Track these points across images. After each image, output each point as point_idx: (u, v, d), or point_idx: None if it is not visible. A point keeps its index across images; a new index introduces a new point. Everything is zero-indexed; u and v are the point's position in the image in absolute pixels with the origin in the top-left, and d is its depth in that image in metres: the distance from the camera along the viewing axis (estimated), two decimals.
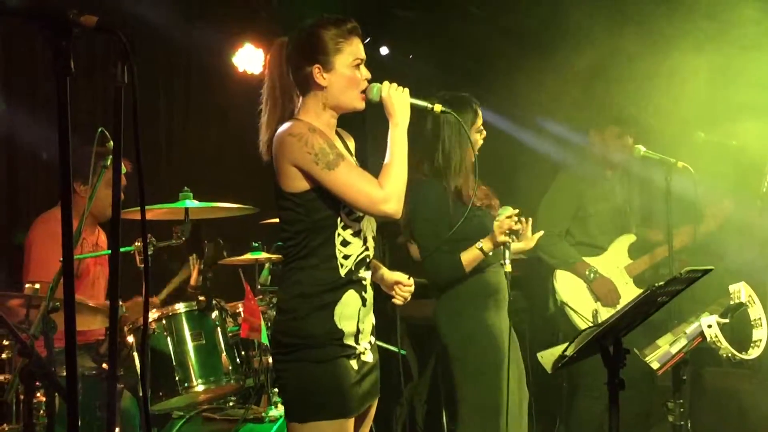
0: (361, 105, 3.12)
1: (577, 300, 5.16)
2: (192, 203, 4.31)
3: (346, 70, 3.05)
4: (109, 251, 4.57)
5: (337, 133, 3.20)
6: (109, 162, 3.77)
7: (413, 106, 3.13)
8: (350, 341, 3.04)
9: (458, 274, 4.03)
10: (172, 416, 4.56)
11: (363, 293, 3.08)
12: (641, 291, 3.02)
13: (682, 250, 5.14)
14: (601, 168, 5.38)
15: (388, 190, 2.97)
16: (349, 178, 2.95)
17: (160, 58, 6.31)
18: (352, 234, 3.04)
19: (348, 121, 3.26)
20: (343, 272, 3.02)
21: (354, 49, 3.07)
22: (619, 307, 5.02)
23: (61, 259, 2.11)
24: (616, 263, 5.28)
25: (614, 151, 5.29)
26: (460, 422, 4.13)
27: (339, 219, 3.01)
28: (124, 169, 3.63)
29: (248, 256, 4.92)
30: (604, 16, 5.89)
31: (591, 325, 4.88)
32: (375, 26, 6.94)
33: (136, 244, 3.99)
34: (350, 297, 3.04)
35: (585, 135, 5.48)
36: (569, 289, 5.20)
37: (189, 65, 6.61)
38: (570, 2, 6.04)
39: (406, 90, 3.13)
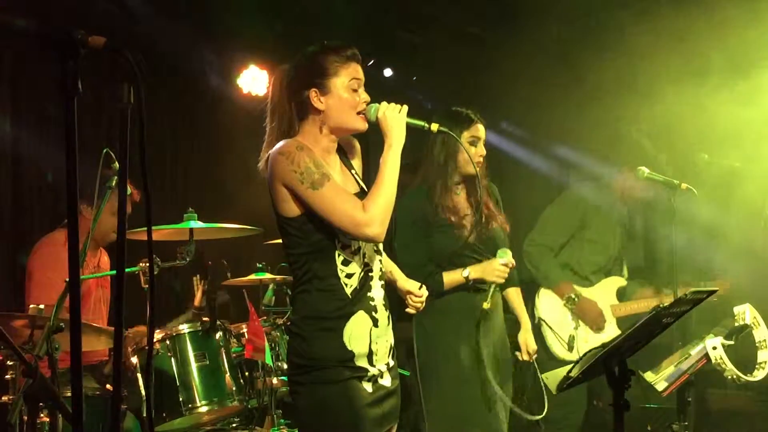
0: (362, 126, 3.11)
1: (556, 321, 5.08)
2: (196, 224, 4.31)
3: (343, 92, 3.06)
4: (114, 272, 4.57)
5: (340, 149, 3.21)
6: (114, 183, 3.78)
7: (410, 125, 3.12)
8: (362, 362, 3.02)
9: (435, 291, 3.97)
10: None
11: (373, 313, 3.06)
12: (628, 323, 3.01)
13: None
14: (614, 201, 5.32)
15: (371, 214, 2.94)
16: (332, 199, 2.93)
17: (165, 79, 6.33)
18: (351, 252, 3.03)
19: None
20: (348, 291, 3.02)
21: (351, 71, 3.08)
22: (603, 337, 4.97)
23: (67, 279, 2.11)
24: (602, 299, 5.19)
25: (637, 193, 5.23)
26: None
27: (336, 239, 3.01)
28: (129, 190, 3.64)
29: (252, 276, 4.92)
30: (606, 38, 5.92)
31: (566, 349, 4.92)
32: (379, 49, 6.98)
33: (141, 264, 3.98)
34: (359, 318, 3.03)
35: (608, 165, 5.38)
36: (550, 309, 5.12)
37: (194, 86, 6.64)
38: (571, 25, 6.07)
39: (405, 108, 3.12)
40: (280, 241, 5.01)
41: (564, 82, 6.34)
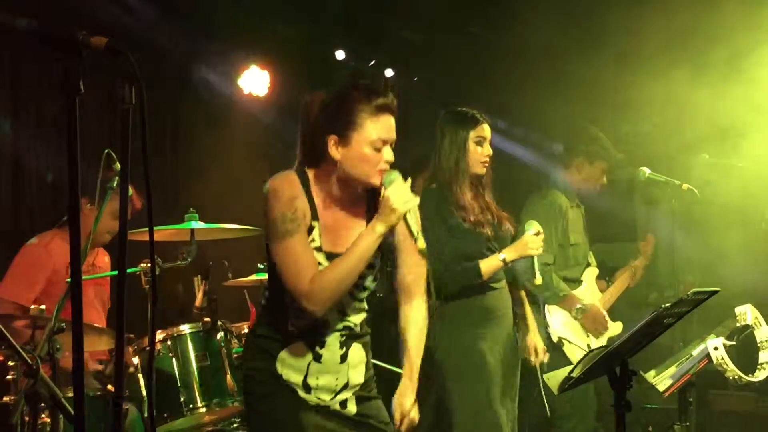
0: (375, 182, 2.89)
1: (573, 335, 4.95)
2: (198, 224, 4.31)
3: (364, 149, 2.85)
4: (115, 272, 4.58)
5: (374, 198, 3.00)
6: (115, 184, 3.78)
7: (405, 219, 2.89)
8: (296, 389, 2.97)
9: (475, 281, 4.03)
10: None
11: (317, 348, 2.98)
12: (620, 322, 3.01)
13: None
14: (574, 194, 5.17)
15: (314, 289, 2.81)
16: (285, 258, 2.86)
17: (166, 80, 6.33)
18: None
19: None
20: (290, 328, 2.98)
21: (378, 128, 2.84)
22: (606, 337, 4.94)
23: (68, 279, 2.11)
24: (593, 297, 5.12)
25: (591, 184, 5.11)
26: None
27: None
28: (130, 191, 3.66)
29: (254, 277, 4.91)
30: (607, 38, 5.92)
31: None
32: (380, 49, 6.98)
33: (142, 265, 3.99)
34: (295, 348, 2.97)
35: (570, 157, 5.21)
36: (563, 325, 4.96)
37: (195, 87, 6.64)
38: (572, 24, 6.07)
39: (413, 201, 2.87)
40: None
41: (564, 82, 6.34)
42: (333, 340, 2.99)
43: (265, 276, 4.86)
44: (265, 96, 6.82)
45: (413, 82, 7.36)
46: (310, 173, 2.97)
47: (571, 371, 2.98)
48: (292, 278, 2.85)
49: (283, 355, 2.97)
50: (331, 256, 2.91)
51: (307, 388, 2.98)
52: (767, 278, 5.09)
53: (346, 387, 3.03)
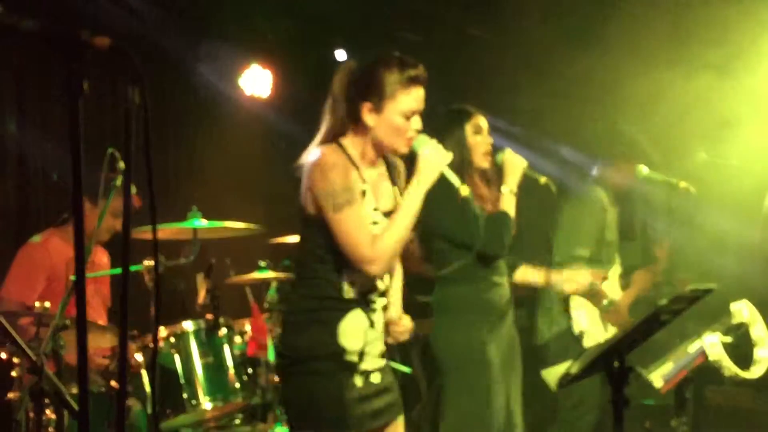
0: (403, 150, 3.10)
1: (594, 328, 4.87)
2: (200, 223, 4.34)
3: (395, 118, 3.03)
4: (118, 270, 4.61)
5: (389, 163, 3.22)
6: (119, 182, 3.81)
7: (441, 175, 3.14)
8: (352, 358, 3.04)
9: (508, 227, 4.06)
10: None
11: (371, 315, 3.09)
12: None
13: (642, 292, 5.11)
14: (612, 194, 5.20)
15: (378, 252, 2.95)
16: (347, 227, 2.95)
17: (168, 80, 6.36)
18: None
19: None
20: (347, 296, 3.04)
21: (409, 100, 3.04)
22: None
23: (73, 277, 2.14)
24: (615, 294, 5.13)
25: (624, 187, 5.03)
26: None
27: None
28: (134, 189, 3.69)
29: (256, 274, 4.95)
30: (604, 38, 5.94)
31: None
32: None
33: (146, 263, 4.02)
34: (355, 315, 3.05)
35: (598, 161, 5.20)
36: (585, 318, 4.88)
37: (197, 86, 6.66)
38: (571, 24, 6.08)
39: (448, 156, 3.12)
40: (282, 239, 5.10)
41: (564, 81, 6.35)
42: (378, 304, 3.12)
43: (267, 274, 4.94)
44: (267, 95, 6.84)
45: None
46: (345, 142, 3.08)
47: (570, 367, 3.00)
48: (355, 246, 2.95)
49: (344, 325, 3.02)
50: (386, 215, 3.08)
51: (362, 355, 3.06)
52: (763, 275, 5.10)
53: (382, 355, 3.16)
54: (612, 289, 5.07)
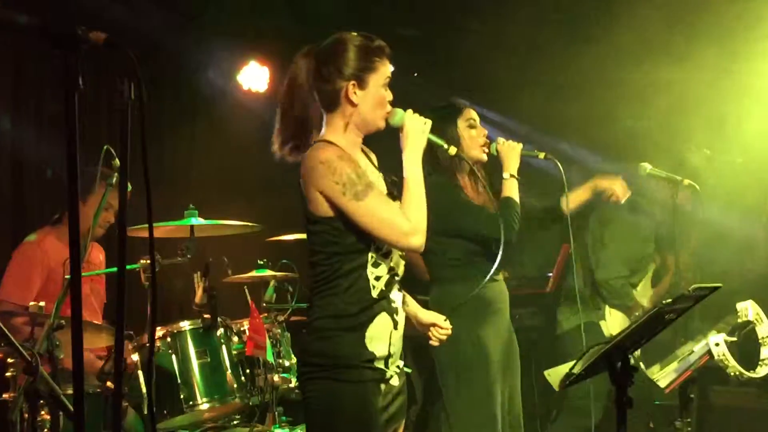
0: (383, 125, 3.08)
1: None
2: (197, 221, 4.31)
3: (378, 90, 3.02)
4: (114, 269, 4.57)
5: (362, 150, 3.16)
6: (114, 181, 3.77)
7: (429, 141, 3.12)
8: (381, 365, 2.99)
9: (516, 214, 4.06)
10: None
11: (394, 315, 3.03)
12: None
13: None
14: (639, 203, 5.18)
15: (414, 223, 2.93)
16: (376, 210, 2.90)
17: (165, 76, 6.33)
18: (382, 255, 3.00)
19: None
20: (375, 294, 2.97)
21: (385, 69, 3.04)
22: None
23: (68, 276, 2.10)
24: (645, 295, 5.16)
25: (661, 192, 5.09)
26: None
27: (372, 242, 2.96)
28: (129, 187, 3.66)
29: (253, 273, 4.91)
30: (606, 33, 5.91)
31: (644, 366, 4.84)
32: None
33: (142, 261, 3.98)
34: (382, 319, 2.99)
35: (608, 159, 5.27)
36: (620, 326, 4.96)
37: (194, 82, 6.63)
38: (571, 18, 6.06)
39: (428, 123, 3.10)
40: (280, 238, 5.06)
41: (564, 78, 6.33)
42: (400, 301, 3.07)
43: (265, 272, 4.90)
44: (265, 92, 6.81)
45: (412, 77, 7.36)
46: (331, 138, 3.02)
47: (572, 367, 2.97)
48: (392, 224, 2.91)
49: (372, 330, 2.96)
50: (392, 197, 3.05)
51: (388, 359, 3.01)
52: None
53: (402, 354, 3.12)
54: (643, 292, 5.11)
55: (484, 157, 4.14)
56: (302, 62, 3.07)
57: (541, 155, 4.16)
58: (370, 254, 2.97)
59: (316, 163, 2.92)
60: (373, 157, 3.24)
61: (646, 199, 5.20)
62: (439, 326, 3.28)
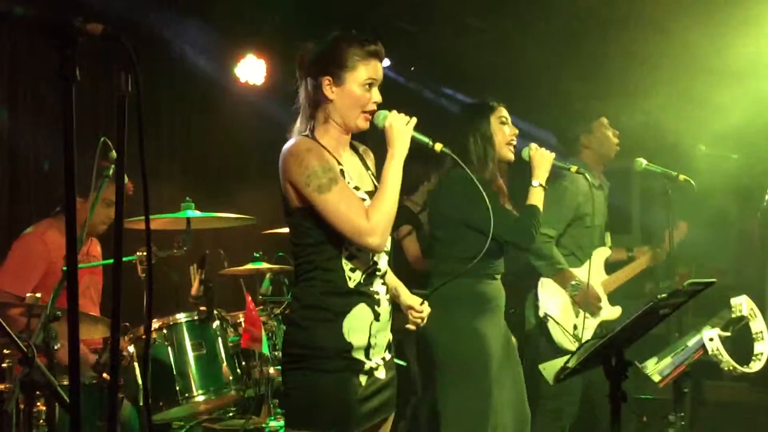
0: (364, 125, 3.09)
1: (561, 313, 4.89)
2: (193, 213, 4.31)
3: (355, 88, 3.04)
4: (110, 261, 4.57)
5: (353, 147, 3.21)
6: (111, 172, 3.77)
7: (414, 140, 3.10)
8: (359, 355, 3.01)
9: (537, 219, 4.09)
10: (172, 426, 4.55)
11: (375, 307, 3.05)
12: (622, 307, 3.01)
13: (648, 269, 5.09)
14: (595, 175, 5.10)
15: (374, 223, 2.92)
16: (337, 205, 2.92)
17: (162, 68, 6.32)
18: (357, 248, 3.01)
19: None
20: (351, 285, 3.00)
21: (370, 69, 3.05)
22: (599, 320, 4.92)
23: (65, 267, 2.11)
24: (594, 277, 5.01)
25: (606, 146, 5.06)
26: (444, 427, 4.12)
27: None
28: (126, 179, 3.65)
29: (249, 266, 4.92)
30: (606, 30, 5.91)
31: (572, 341, 4.84)
32: (378, 40, 6.96)
33: (138, 253, 3.98)
34: (360, 310, 3.01)
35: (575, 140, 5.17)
36: (552, 301, 4.91)
37: (191, 75, 6.62)
38: (569, 15, 6.06)
39: (413, 121, 3.10)
40: (276, 231, 5.07)
41: (564, 74, 6.33)
42: (381, 293, 3.09)
43: (261, 265, 4.91)
44: (262, 85, 6.81)
45: (410, 72, 7.36)
46: (317, 133, 3.08)
47: (567, 361, 2.98)
48: (350, 220, 2.92)
49: (349, 320, 2.99)
50: (369, 194, 3.06)
51: (368, 350, 3.03)
52: (763, 270, 5.08)
53: (389, 347, 3.15)
54: (596, 272, 5.03)
55: (512, 156, 4.18)
56: (300, 56, 3.14)
57: (574, 169, 4.19)
58: (344, 247, 3.00)
59: (287, 155, 2.98)
60: (369, 155, 3.29)
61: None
62: (415, 310, 3.28)
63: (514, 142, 4.20)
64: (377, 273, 3.08)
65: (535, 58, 6.51)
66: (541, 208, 4.08)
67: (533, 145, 4.17)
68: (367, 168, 3.23)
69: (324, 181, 2.91)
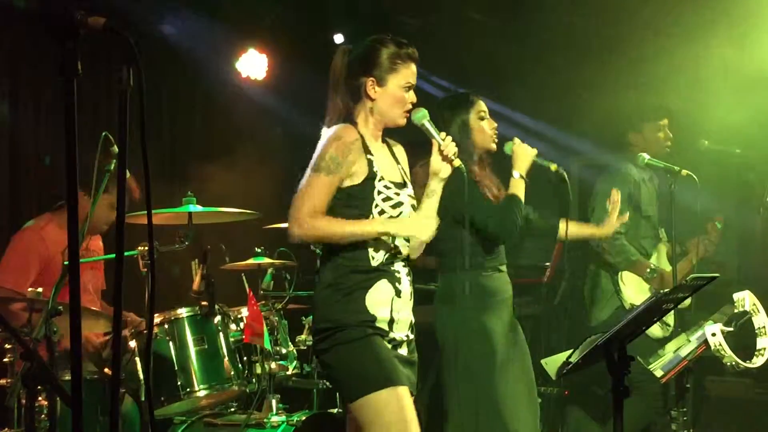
0: (402, 122, 3.36)
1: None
2: (195, 208, 4.30)
3: (396, 90, 3.31)
4: (112, 256, 4.56)
5: (384, 141, 3.43)
6: (112, 167, 3.76)
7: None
8: (383, 325, 3.18)
9: (520, 209, 4.10)
10: (174, 421, 4.54)
11: (396, 284, 3.24)
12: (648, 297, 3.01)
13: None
14: (647, 169, 5.15)
15: (306, 223, 3.14)
16: (308, 187, 3.19)
17: (164, 62, 6.31)
18: None
19: None
20: (374, 264, 3.21)
21: (408, 73, 3.32)
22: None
23: (66, 262, 2.10)
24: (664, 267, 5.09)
25: (654, 149, 5.07)
26: (449, 420, 4.12)
27: (371, 218, 3.21)
28: (128, 174, 3.64)
29: (251, 261, 4.91)
30: (606, 26, 5.91)
31: (661, 328, 4.81)
32: (379, 33, 6.95)
33: (140, 248, 3.97)
34: (382, 285, 3.21)
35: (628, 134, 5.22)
36: (635, 292, 4.97)
37: (193, 70, 6.62)
38: (572, 8, 6.05)
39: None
40: (278, 225, 5.05)
41: (565, 69, 6.32)
42: (405, 274, 3.31)
43: (263, 260, 4.90)
44: (263, 79, 6.80)
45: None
46: (359, 120, 3.34)
47: (570, 356, 2.97)
48: (298, 204, 3.18)
49: (371, 295, 3.19)
50: (396, 185, 3.31)
51: (391, 323, 3.22)
52: (766, 265, 5.08)
53: (411, 328, 3.34)
54: (661, 262, 5.09)
55: (494, 147, 4.23)
56: (338, 59, 3.38)
57: (553, 167, 4.21)
58: None
59: (332, 132, 3.25)
60: (399, 149, 3.52)
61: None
62: (440, 145, 3.36)
63: (492, 133, 4.23)
64: (399, 255, 3.28)
65: (536, 51, 6.50)
66: (522, 199, 4.11)
67: (516, 140, 4.23)
68: (397, 162, 3.45)
69: (322, 164, 3.18)
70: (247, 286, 4.86)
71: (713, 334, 3.47)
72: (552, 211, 4.54)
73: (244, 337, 4.35)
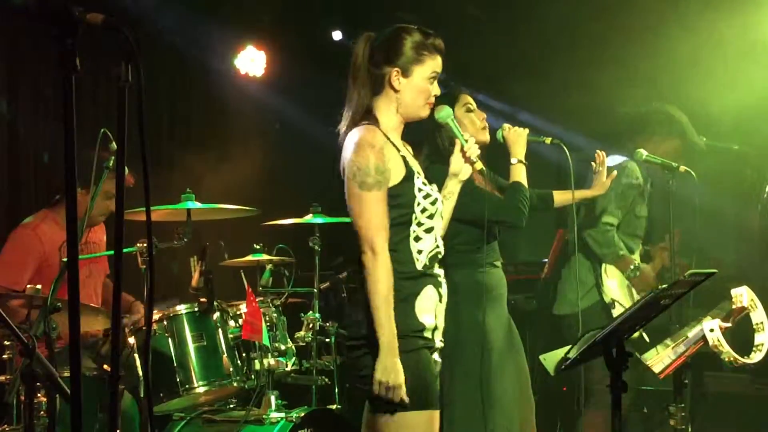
0: (425, 114, 3.25)
1: (622, 298, 4.97)
2: (194, 205, 4.30)
3: (421, 81, 3.17)
4: (110, 252, 4.56)
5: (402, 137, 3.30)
6: (111, 163, 3.76)
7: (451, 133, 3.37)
8: (429, 335, 3.10)
9: (526, 198, 4.06)
10: (173, 418, 4.54)
11: (439, 289, 3.16)
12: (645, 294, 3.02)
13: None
14: (644, 172, 5.15)
15: (380, 260, 2.98)
16: (371, 207, 3.02)
17: (162, 59, 6.31)
18: (425, 231, 3.13)
19: None
20: (419, 266, 3.10)
21: (434, 64, 3.19)
22: None
23: (65, 258, 2.10)
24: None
25: (663, 156, 4.96)
26: (446, 420, 4.12)
27: (414, 216, 3.10)
28: (127, 171, 3.65)
29: (250, 258, 4.91)
30: (605, 22, 5.91)
31: None
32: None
33: (139, 245, 3.97)
34: (429, 291, 3.12)
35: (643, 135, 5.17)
36: (617, 286, 5.01)
37: (191, 66, 6.62)
38: (571, 4, 6.05)
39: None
40: (277, 222, 5.06)
41: (563, 65, 6.32)
42: (443, 278, 3.21)
43: (262, 256, 4.90)
44: (262, 76, 6.81)
45: None
46: (378, 113, 3.18)
47: (568, 352, 2.97)
48: (371, 229, 3.01)
49: (420, 301, 3.08)
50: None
51: (434, 331, 3.14)
52: (763, 260, 5.08)
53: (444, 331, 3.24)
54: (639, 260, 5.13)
55: (487, 138, 4.15)
56: (361, 46, 3.21)
57: (548, 140, 4.22)
58: (411, 228, 3.11)
59: (351, 143, 3.08)
60: (409, 148, 3.37)
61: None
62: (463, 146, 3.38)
63: (482, 125, 4.17)
64: (438, 256, 3.19)
65: (534, 48, 6.50)
66: (525, 183, 4.08)
67: (506, 126, 4.20)
68: (415, 157, 3.34)
69: (370, 180, 3.01)
70: (245, 282, 4.86)
71: (711, 330, 3.46)
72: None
73: (242, 333, 4.35)
